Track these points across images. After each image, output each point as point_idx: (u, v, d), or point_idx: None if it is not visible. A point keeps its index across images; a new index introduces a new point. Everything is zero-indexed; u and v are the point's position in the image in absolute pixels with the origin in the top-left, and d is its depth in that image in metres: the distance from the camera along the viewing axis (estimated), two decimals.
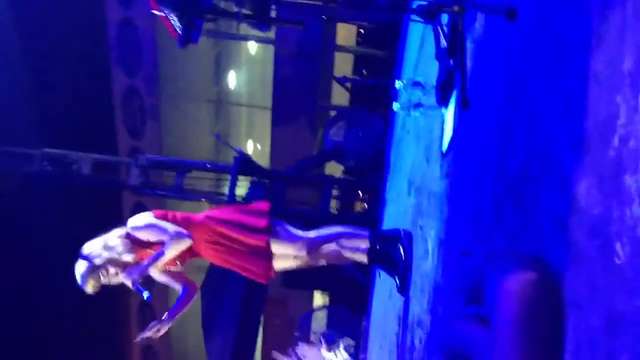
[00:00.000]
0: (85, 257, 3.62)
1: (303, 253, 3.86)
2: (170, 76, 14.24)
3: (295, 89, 13.46)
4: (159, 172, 10.28)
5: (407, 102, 3.76)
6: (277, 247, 3.84)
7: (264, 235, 3.78)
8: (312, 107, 13.94)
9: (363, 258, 4.04)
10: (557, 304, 1.14)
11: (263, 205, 3.98)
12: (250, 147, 17.05)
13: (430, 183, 3.67)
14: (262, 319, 8.20)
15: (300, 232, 3.91)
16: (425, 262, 3.40)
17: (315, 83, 13.63)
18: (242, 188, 9.54)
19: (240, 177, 9.44)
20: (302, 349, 3.91)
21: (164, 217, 3.74)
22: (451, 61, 2.89)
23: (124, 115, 13.62)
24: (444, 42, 3.01)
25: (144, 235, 3.67)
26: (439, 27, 3.05)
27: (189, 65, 14.82)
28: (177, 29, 3.65)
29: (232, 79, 17.23)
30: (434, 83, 3.41)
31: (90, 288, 3.64)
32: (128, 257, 3.62)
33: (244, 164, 9.38)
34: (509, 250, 1.54)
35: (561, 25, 1.44)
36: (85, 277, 3.62)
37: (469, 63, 2.72)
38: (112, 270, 3.62)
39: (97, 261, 3.62)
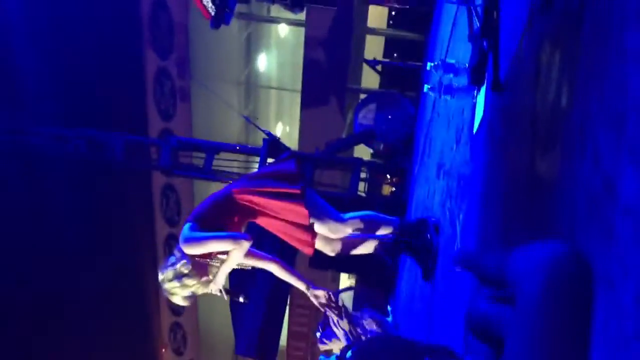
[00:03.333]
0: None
1: (334, 234, 3.85)
2: (202, 58, 14.32)
3: (325, 72, 13.43)
4: (189, 153, 10.41)
5: (438, 84, 3.75)
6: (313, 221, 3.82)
7: (300, 201, 3.73)
8: (342, 90, 13.91)
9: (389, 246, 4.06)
10: (586, 278, 1.13)
11: (291, 167, 3.90)
12: (279, 130, 17.10)
13: (460, 166, 3.66)
14: (288, 299, 8.28)
15: (332, 212, 3.89)
16: (454, 245, 3.41)
17: (345, 66, 13.58)
18: None
19: (270, 160, 9.51)
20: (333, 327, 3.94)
21: (203, 223, 3.64)
22: (484, 42, 2.87)
23: (155, 96, 13.76)
24: (476, 23, 2.99)
25: (202, 250, 3.59)
26: (472, 8, 3.02)
27: (220, 47, 14.88)
28: (210, 10, 3.66)
29: (263, 62, 17.25)
30: (466, 65, 3.39)
31: (184, 303, 3.75)
32: (203, 277, 3.65)
33: (273, 146, 9.43)
34: (536, 233, 1.54)
35: (598, 8, 1.42)
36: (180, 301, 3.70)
37: (501, 44, 2.70)
38: (200, 290, 3.69)
39: (185, 293, 3.67)
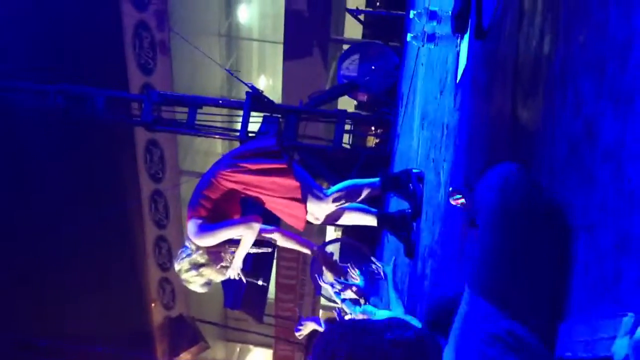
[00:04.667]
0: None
1: (317, 214, 3.86)
2: (181, 10, 14.00)
3: (307, 22, 13.21)
4: (171, 108, 10.28)
5: (421, 33, 3.70)
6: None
7: (290, 174, 3.73)
8: (325, 41, 13.72)
9: (373, 221, 4.08)
10: (533, 187, 1.14)
11: (271, 143, 3.88)
12: (262, 83, 16.91)
13: (443, 115, 3.65)
14: (275, 251, 8.35)
15: (315, 188, 3.89)
16: (438, 193, 3.43)
17: (327, 16, 13.36)
18: (254, 124, 9.53)
19: (253, 113, 9.43)
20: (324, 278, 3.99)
21: (206, 214, 3.63)
22: None
23: (135, 50, 13.49)
24: None
25: (216, 241, 3.62)
26: None
27: None
28: None
29: (244, 13, 16.91)
30: (449, 12, 3.34)
31: (202, 290, 3.77)
32: (220, 264, 3.67)
33: (257, 100, 9.34)
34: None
35: None
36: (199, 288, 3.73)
37: None
38: (218, 277, 3.71)
39: (202, 281, 3.68)
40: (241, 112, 9.40)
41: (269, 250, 3.96)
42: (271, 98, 9.80)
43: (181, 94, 10.90)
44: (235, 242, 3.70)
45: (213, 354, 18.25)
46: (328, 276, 3.98)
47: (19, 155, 11.02)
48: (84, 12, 11.33)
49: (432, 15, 3.85)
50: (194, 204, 3.67)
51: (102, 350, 11.95)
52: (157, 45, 13.81)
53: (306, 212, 3.79)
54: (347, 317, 3.56)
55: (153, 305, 15.92)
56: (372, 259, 3.88)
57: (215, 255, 3.64)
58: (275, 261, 13.26)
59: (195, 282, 3.69)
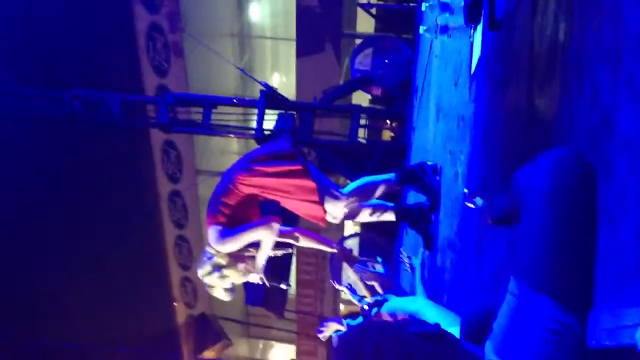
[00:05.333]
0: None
1: (334, 214, 3.87)
2: (193, 11, 14.06)
3: (319, 18, 13.20)
4: (186, 109, 10.33)
5: (434, 25, 3.69)
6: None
7: (306, 176, 3.74)
8: (337, 36, 13.69)
9: (391, 217, 4.09)
10: (590, 174, 1.12)
11: (286, 145, 3.89)
12: (276, 80, 16.92)
13: (458, 107, 3.64)
14: (292, 252, 8.37)
15: (332, 187, 3.90)
16: (455, 185, 3.42)
17: (339, 10, 13.33)
18: (269, 121, 9.56)
19: (268, 111, 9.45)
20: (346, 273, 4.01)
21: (225, 221, 3.66)
22: None
23: (148, 53, 13.57)
24: None
25: (238, 246, 3.66)
26: None
27: None
28: None
29: (255, 11, 16.93)
30: (462, 3, 3.32)
31: (226, 296, 3.84)
32: (242, 266, 3.71)
33: (271, 97, 9.35)
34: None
35: None
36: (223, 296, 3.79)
37: None
38: (240, 279, 3.76)
39: (225, 284, 3.74)
40: (256, 111, 9.42)
41: (289, 251, 3.99)
42: (285, 95, 9.81)
43: (196, 94, 10.96)
44: (255, 245, 3.73)
45: (236, 351, 18.36)
46: (348, 272, 3.99)
47: (36, 161, 11.15)
48: (95, 16, 11.41)
49: (445, 7, 3.83)
50: (213, 210, 3.70)
51: (126, 352, 12.08)
52: (170, 47, 13.88)
53: (325, 212, 3.81)
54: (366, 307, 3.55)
55: (176, 304, 16.05)
56: (402, 251, 3.88)
57: (237, 257, 3.69)
58: (295, 257, 13.30)
59: (218, 285, 3.72)
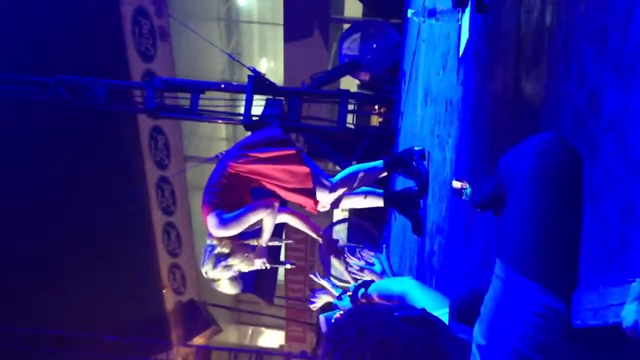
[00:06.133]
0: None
1: (323, 203, 3.89)
2: None
3: (307, 3, 13.11)
4: (174, 95, 10.26)
5: (422, 9, 3.68)
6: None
7: (300, 162, 3.76)
8: (325, 21, 13.62)
9: (380, 202, 4.12)
10: (573, 158, 1.13)
11: (277, 133, 3.91)
12: (263, 65, 16.84)
13: (447, 91, 3.64)
14: (283, 233, 8.37)
15: (322, 175, 3.92)
16: (443, 170, 3.43)
17: None
18: (257, 107, 9.52)
19: (255, 96, 9.40)
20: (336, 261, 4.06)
21: (223, 207, 3.66)
22: None
23: (134, 38, 13.43)
24: None
25: (241, 228, 3.66)
26: None
27: None
28: None
29: None
30: None
31: (232, 288, 3.82)
32: (244, 254, 3.71)
33: (259, 83, 9.31)
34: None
35: None
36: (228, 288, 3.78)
37: None
38: (244, 267, 3.75)
39: (230, 274, 3.72)
40: (244, 96, 9.38)
41: (283, 241, 4.05)
42: (273, 80, 9.77)
43: (183, 79, 10.88)
44: (254, 235, 3.76)
45: (226, 338, 18.42)
46: (335, 262, 4.02)
47: (22, 147, 11.05)
48: (80, 1, 11.28)
49: None
50: (209, 198, 3.71)
51: (114, 339, 12.07)
52: (156, 31, 13.75)
53: (316, 200, 3.84)
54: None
55: (164, 291, 16.05)
56: (365, 250, 3.90)
57: (238, 246, 3.71)
58: (284, 244, 13.31)
59: (223, 276, 3.73)
